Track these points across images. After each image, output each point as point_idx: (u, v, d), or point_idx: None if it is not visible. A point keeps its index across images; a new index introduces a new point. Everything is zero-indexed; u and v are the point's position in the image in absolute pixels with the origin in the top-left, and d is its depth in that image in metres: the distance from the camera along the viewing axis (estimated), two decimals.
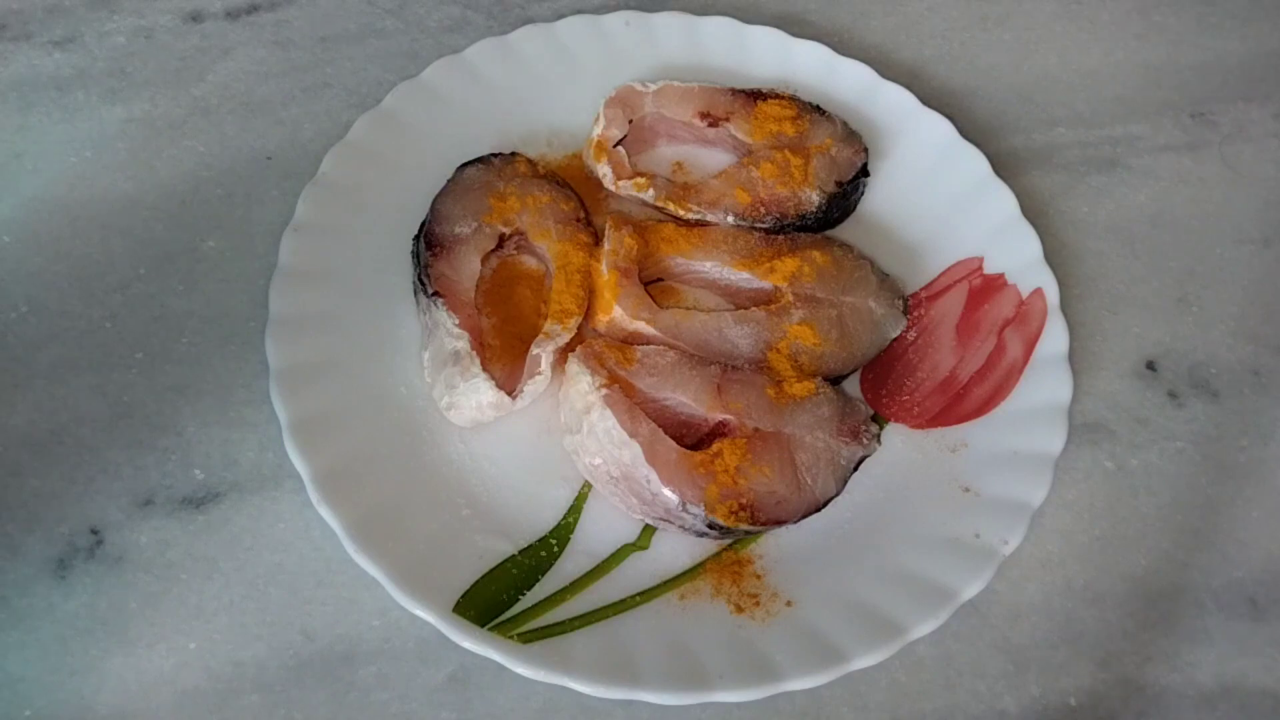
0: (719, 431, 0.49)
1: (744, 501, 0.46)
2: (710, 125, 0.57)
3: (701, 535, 0.47)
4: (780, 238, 0.54)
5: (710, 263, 0.53)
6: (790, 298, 0.52)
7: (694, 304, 0.54)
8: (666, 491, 0.45)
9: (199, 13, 0.62)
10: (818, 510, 0.47)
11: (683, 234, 0.54)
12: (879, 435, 0.49)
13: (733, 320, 0.51)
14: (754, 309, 0.52)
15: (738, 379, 0.49)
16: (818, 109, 0.58)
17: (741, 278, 0.53)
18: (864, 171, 0.57)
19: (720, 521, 0.45)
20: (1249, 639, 0.48)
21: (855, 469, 0.48)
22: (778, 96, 0.58)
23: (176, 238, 0.54)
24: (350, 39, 0.62)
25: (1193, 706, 0.46)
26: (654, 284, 0.54)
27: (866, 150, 0.57)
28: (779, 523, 0.46)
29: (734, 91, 0.58)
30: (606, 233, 0.53)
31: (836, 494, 0.47)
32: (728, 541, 0.48)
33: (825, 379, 0.51)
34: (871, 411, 0.50)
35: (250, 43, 0.61)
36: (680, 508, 0.45)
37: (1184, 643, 0.48)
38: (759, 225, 0.55)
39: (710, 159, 0.58)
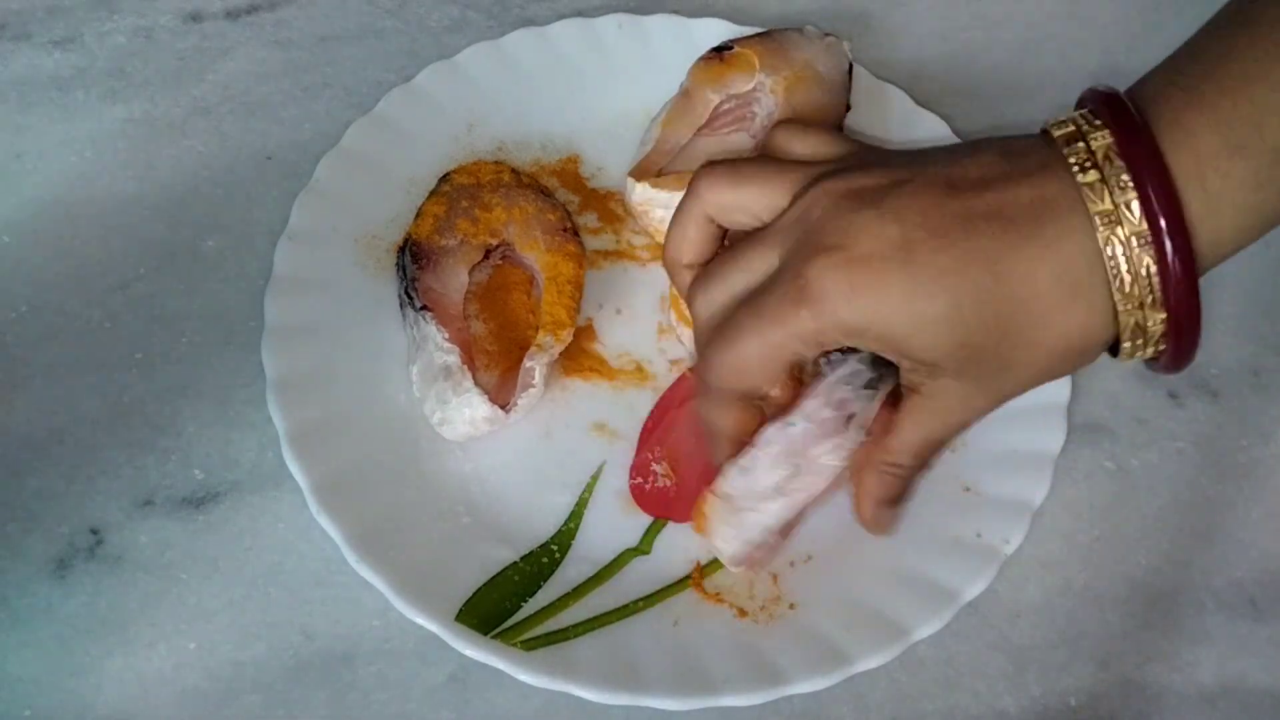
0: None
1: None
2: None
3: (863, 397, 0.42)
4: None
5: None
6: None
7: None
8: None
9: (199, 13, 0.62)
10: None
11: None
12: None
13: None
14: None
15: None
16: None
17: None
18: None
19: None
20: (1249, 639, 0.48)
21: None
22: None
23: (176, 238, 0.54)
24: (350, 39, 0.62)
25: (1193, 706, 0.46)
26: None
27: None
28: None
29: None
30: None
31: None
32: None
33: None
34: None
35: (250, 43, 0.61)
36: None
37: (1184, 643, 0.48)
38: None
39: None
